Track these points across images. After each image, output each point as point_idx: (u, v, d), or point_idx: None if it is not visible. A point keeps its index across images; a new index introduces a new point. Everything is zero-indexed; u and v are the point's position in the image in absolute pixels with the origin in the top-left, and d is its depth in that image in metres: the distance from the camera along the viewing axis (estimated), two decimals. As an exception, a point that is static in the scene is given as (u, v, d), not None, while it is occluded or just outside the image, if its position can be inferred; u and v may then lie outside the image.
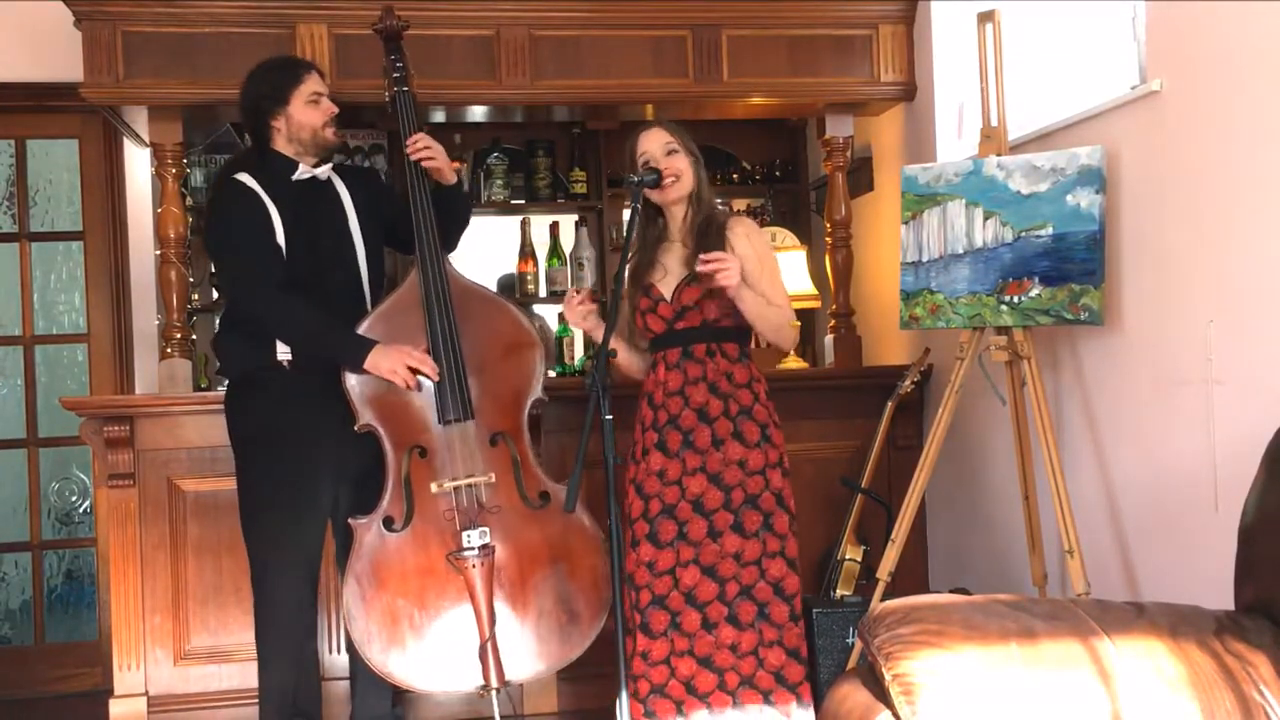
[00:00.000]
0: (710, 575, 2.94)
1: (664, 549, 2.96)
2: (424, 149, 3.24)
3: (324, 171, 3.29)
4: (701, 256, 2.90)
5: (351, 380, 3.13)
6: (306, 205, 3.22)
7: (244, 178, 3.19)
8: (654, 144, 3.06)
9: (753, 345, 3.18)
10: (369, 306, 3.24)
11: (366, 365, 3.08)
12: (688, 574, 2.94)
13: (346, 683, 3.51)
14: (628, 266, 3.10)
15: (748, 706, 2.93)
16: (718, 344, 3.02)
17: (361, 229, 3.30)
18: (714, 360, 3.01)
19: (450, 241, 3.37)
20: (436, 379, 3.12)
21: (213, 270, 5.05)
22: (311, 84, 3.23)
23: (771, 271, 3.09)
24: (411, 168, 3.27)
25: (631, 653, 2.95)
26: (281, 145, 3.23)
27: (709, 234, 3.02)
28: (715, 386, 3.00)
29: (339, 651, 3.77)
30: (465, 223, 3.46)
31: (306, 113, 3.21)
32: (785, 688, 2.96)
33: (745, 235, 3.06)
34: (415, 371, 3.09)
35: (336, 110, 3.27)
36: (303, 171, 3.23)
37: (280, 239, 3.16)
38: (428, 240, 3.20)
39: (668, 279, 3.05)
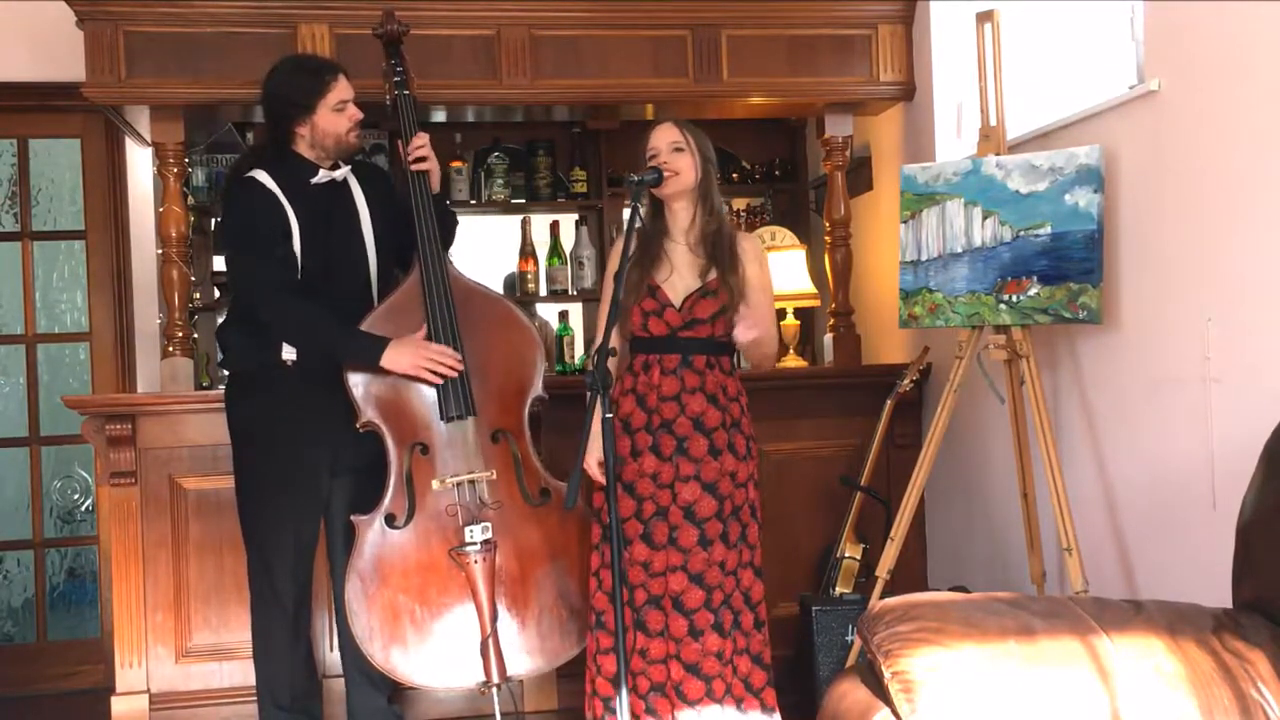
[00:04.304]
0: (698, 583, 2.95)
1: (658, 550, 2.98)
2: (421, 150, 3.24)
3: (342, 174, 3.26)
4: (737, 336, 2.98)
5: (355, 378, 3.12)
6: (322, 205, 3.20)
7: (262, 176, 3.16)
8: (662, 140, 3.07)
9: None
10: (376, 305, 3.23)
11: (385, 363, 3.06)
12: (675, 579, 2.95)
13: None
14: (630, 258, 3.08)
15: (728, 710, 2.95)
16: (715, 357, 3.05)
17: (373, 228, 3.29)
18: (712, 372, 3.03)
19: None
20: (458, 372, 3.11)
21: (215, 269, 5.06)
22: (338, 91, 3.17)
23: (769, 298, 3.15)
24: (409, 167, 3.26)
25: (632, 649, 2.96)
26: (304, 149, 3.21)
27: (721, 250, 3.04)
28: (715, 398, 3.01)
29: (338, 649, 3.78)
30: (449, 240, 3.41)
31: (332, 120, 3.17)
32: (752, 694, 2.98)
33: (756, 259, 3.11)
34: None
35: (362, 115, 3.23)
36: (322, 176, 3.20)
37: (296, 242, 3.14)
38: (428, 237, 3.20)
39: (673, 281, 3.05)
